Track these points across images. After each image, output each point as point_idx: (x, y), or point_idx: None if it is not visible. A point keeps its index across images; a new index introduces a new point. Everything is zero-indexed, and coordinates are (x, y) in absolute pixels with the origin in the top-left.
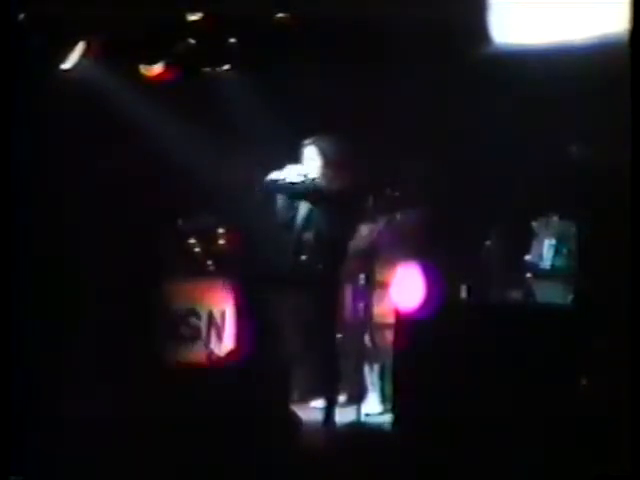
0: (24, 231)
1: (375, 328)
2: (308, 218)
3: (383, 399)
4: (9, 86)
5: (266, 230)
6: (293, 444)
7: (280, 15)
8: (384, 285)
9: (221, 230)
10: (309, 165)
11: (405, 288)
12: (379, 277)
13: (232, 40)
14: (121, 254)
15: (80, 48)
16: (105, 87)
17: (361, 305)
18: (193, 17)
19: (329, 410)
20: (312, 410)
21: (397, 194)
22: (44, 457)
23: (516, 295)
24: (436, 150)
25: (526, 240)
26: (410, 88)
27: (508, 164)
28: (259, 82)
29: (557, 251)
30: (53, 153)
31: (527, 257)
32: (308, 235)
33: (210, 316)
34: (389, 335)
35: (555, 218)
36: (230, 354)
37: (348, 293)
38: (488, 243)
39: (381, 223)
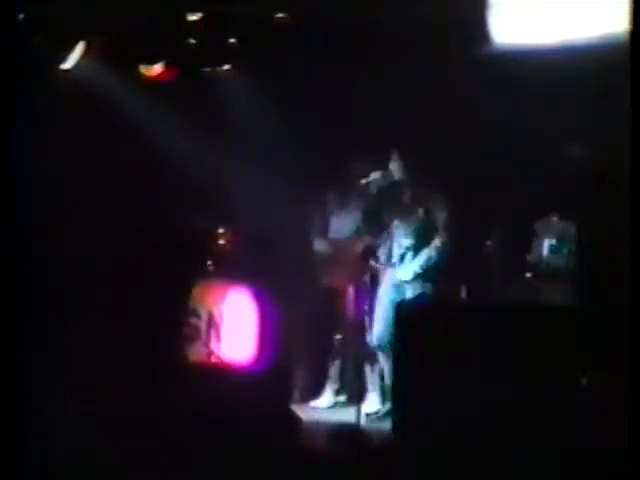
0: (24, 231)
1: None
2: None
3: (383, 399)
4: (9, 86)
5: (266, 230)
6: (293, 444)
7: (280, 15)
8: None
9: (221, 230)
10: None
11: None
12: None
13: (232, 40)
14: (120, 254)
15: (80, 48)
16: (105, 87)
17: (362, 305)
18: (193, 17)
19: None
20: (312, 410)
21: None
22: (44, 456)
23: (516, 295)
24: (436, 150)
25: (526, 240)
26: (410, 88)
27: (508, 164)
28: (259, 82)
29: (557, 251)
30: (53, 153)
31: (527, 257)
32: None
33: (210, 316)
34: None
35: (555, 218)
36: (230, 354)
37: (349, 293)
38: (488, 243)
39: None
